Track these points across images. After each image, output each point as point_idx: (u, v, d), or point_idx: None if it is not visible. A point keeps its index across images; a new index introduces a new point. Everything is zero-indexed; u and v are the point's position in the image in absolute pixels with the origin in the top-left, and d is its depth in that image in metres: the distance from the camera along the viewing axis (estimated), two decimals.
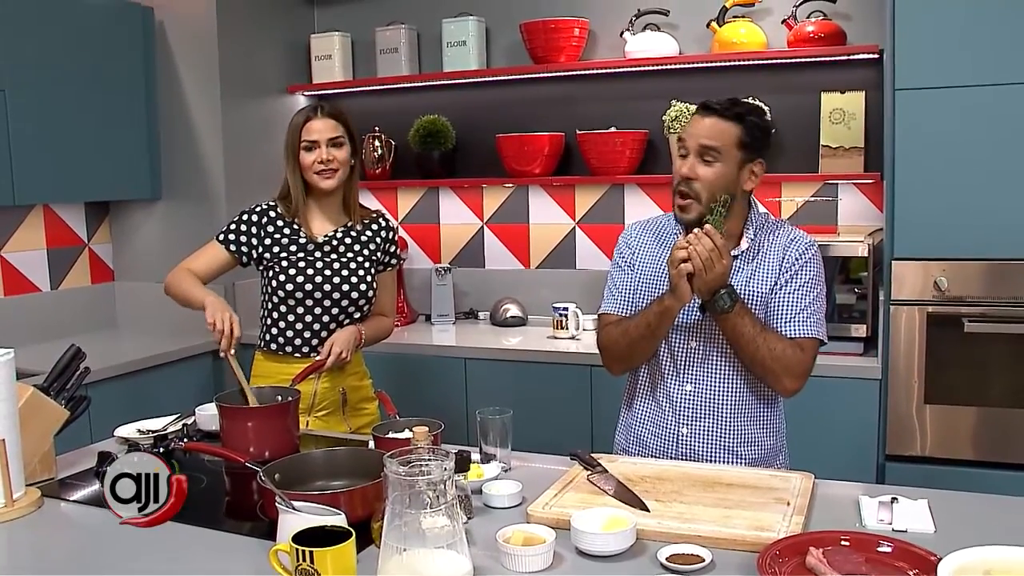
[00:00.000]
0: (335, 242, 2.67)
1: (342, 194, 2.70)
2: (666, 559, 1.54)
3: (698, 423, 2.21)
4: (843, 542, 1.57)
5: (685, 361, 2.22)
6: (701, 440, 2.21)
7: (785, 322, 2.15)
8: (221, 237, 2.69)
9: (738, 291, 2.10)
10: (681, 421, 2.22)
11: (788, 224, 2.27)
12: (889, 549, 1.54)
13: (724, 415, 2.20)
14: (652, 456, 2.24)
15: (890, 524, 1.69)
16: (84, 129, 3.66)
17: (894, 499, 1.78)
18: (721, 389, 2.20)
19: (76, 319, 4.01)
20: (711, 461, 2.19)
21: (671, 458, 2.21)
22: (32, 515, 1.88)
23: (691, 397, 2.21)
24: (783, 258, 2.17)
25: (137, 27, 3.88)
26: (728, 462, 2.18)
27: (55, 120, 3.54)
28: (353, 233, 2.70)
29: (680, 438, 2.23)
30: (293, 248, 2.64)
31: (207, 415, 2.39)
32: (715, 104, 2.12)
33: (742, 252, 2.19)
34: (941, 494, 1.85)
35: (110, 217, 4.21)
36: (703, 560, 1.54)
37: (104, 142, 3.76)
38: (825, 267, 3.12)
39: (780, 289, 2.16)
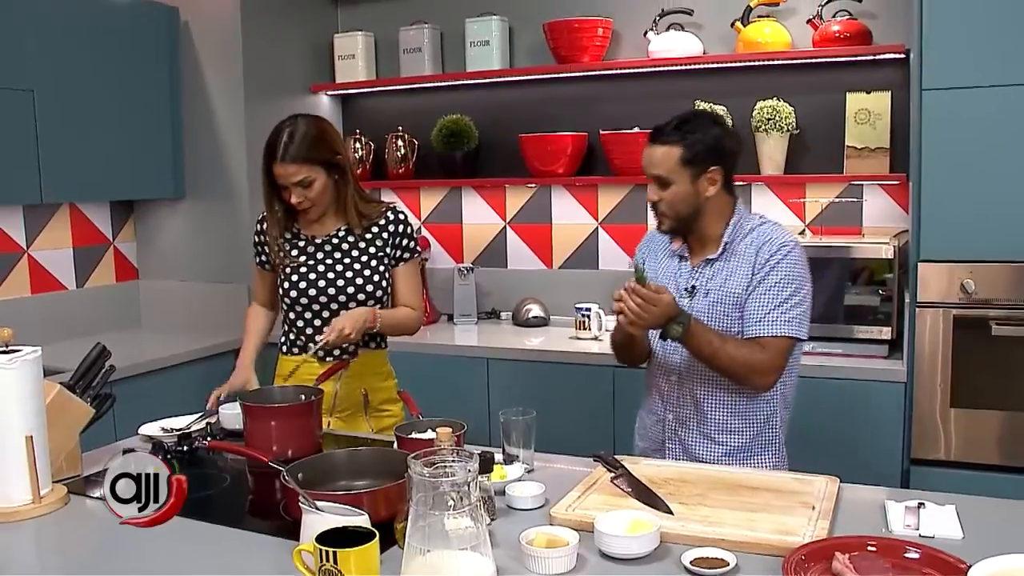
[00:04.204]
0: (336, 240, 2.63)
1: (336, 201, 2.63)
2: (690, 563, 1.54)
3: (681, 411, 2.36)
4: (870, 547, 1.55)
5: (670, 352, 2.35)
6: (684, 427, 2.35)
7: (754, 323, 2.25)
8: (254, 259, 2.73)
9: (714, 294, 2.27)
10: (667, 408, 2.38)
11: (769, 222, 2.34)
12: (917, 555, 1.52)
13: (701, 403, 2.32)
14: (654, 444, 2.41)
15: (917, 530, 1.67)
16: (110, 128, 3.69)
17: (921, 504, 1.77)
18: (699, 379, 2.32)
19: (101, 317, 4.04)
20: (693, 448, 2.33)
21: (663, 443, 2.38)
22: (59, 511, 1.90)
23: (675, 386, 2.36)
24: (755, 259, 2.27)
25: (162, 27, 3.90)
26: (707, 449, 2.32)
27: (81, 119, 3.57)
28: (357, 231, 2.64)
29: (667, 424, 2.38)
30: (295, 252, 2.63)
31: (230, 414, 2.40)
32: (660, 130, 2.27)
33: (717, 256, 2.31)
34: (968, 500, 1.83)
35: (134, 216, 4.24)
36: (727, 564, 1.53)
37: (129, 141, 3.79)
38: (848, 268, 3.12)
39: (753, 290, 2.25)
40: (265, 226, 2.65)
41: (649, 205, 2.33)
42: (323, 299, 2.60)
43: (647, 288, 2.14)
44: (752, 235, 2.30)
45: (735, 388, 2.29)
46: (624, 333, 2.33)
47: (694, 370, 2.31)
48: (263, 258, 2.70)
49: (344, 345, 2.56)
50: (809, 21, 3.54)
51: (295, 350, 2.68)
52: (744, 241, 2.30)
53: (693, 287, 2.32)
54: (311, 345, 2.56)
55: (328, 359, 2.59)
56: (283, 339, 2.72)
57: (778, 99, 3.55)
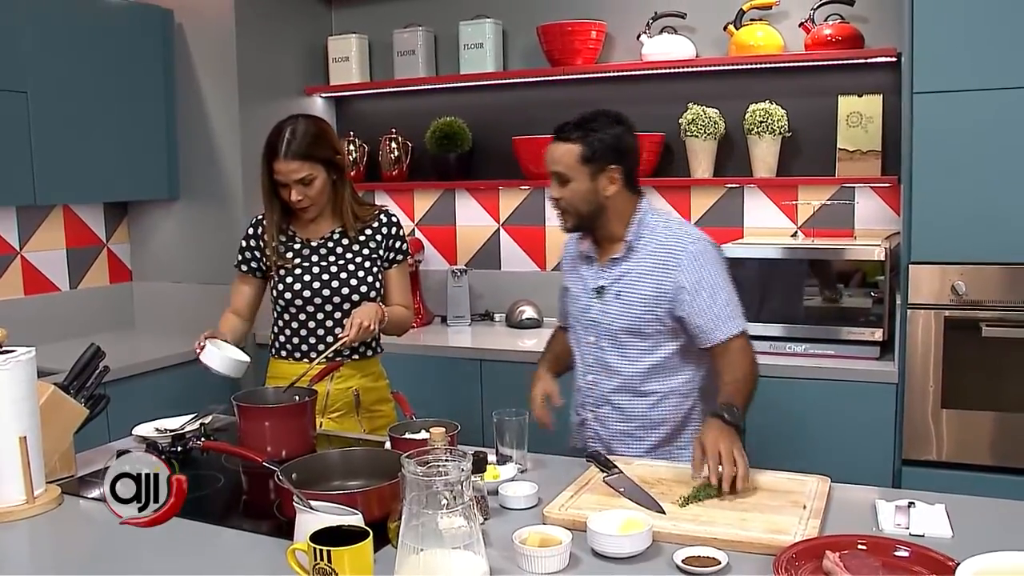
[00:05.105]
0: (331, 243, 2.65)
1: (332, 202, 2.64)
2: (682, 561, 1.55)
3: (598, 411, 2.39)
4: (860, 546, 1.57)
5: (585, 354, 2.42)
6: (604, 427, 2.38)
7: (713, 331, 2.25)
8: (238, 266, 2.71)
9: (624, 295, 2.29)
10: (587, 408, 2.42)
11: (673, 221, 2.36)
12: (906, 554, 1.54)
13: (617, 403, 2.35)
14: (581, 442, 2.42)
15: (907, 528, 1.69)
16: (104, 130, 3.69)
17: (911, 503, 1.78)
18: (613, 379, 2.34)
19: (95, 318, 4.04)
20: (615, 446, 2.33)
21: (586, 442, 2.40)
22: (52, 512, 1.90)
23: (592, 386, 2.39)
24: (673, 262, 2.26)
25: (157, 29, 3.91)
26: (627, 447, 2.33)
27: (75, 121, 3.57)
28: (351, 233, 2.66)
29: (587, 423, 2.42)
30: (289, 255, 2.63)
31: (212, 352, 2.43)
32: (562, 128, 2.29)
33: (622, 256, 2.31)
34: (958, 499, 1.84)
35: (128, 217, 4.24)
36: (719, 563, 1.54)
37: (123, 143, 3.79)
38: (840, 270, 3.14)
39: (692, 300, 2.24)
40: (261, 230, 2.66)
41: (551, 203, 2.35)
42: (317, 301, 2.60)
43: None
44: (658, 236, 2.30)
45: (649, 387, 2.31)
46: (557, 365, 2.51)
47: (607, 372, 2.35)
48: (253, 264, 2.69)
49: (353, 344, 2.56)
50: (801, 24, 3.55)
51: (283, 352, 2.68)
52: (651, 241, 2.30)
53: (601, 287, 2.33)
54: (325, 343, 2.58)
55: (341, 358, 2.59)
56: (274, 343, 2.72)
57: (770, 102, 3.57)
